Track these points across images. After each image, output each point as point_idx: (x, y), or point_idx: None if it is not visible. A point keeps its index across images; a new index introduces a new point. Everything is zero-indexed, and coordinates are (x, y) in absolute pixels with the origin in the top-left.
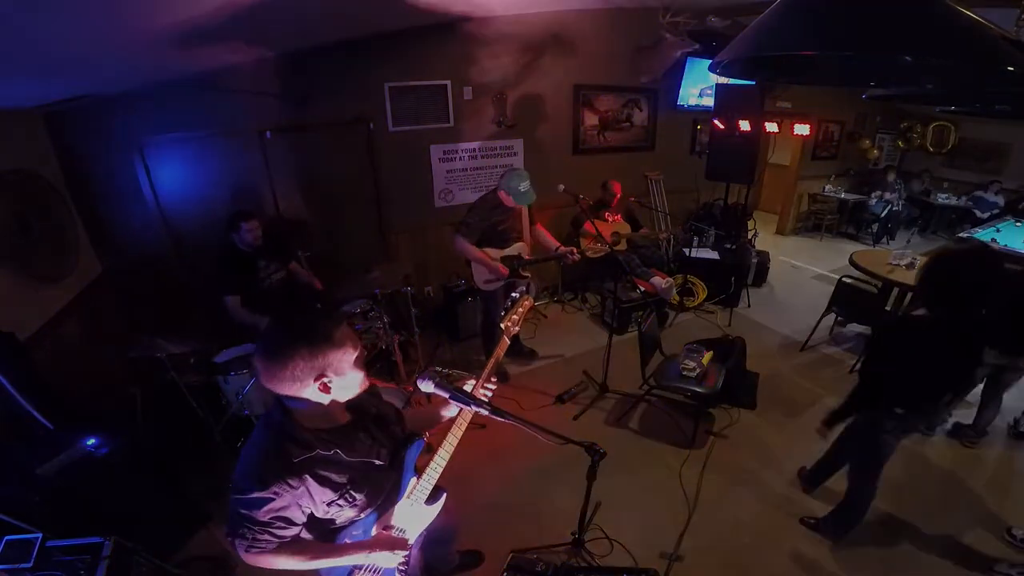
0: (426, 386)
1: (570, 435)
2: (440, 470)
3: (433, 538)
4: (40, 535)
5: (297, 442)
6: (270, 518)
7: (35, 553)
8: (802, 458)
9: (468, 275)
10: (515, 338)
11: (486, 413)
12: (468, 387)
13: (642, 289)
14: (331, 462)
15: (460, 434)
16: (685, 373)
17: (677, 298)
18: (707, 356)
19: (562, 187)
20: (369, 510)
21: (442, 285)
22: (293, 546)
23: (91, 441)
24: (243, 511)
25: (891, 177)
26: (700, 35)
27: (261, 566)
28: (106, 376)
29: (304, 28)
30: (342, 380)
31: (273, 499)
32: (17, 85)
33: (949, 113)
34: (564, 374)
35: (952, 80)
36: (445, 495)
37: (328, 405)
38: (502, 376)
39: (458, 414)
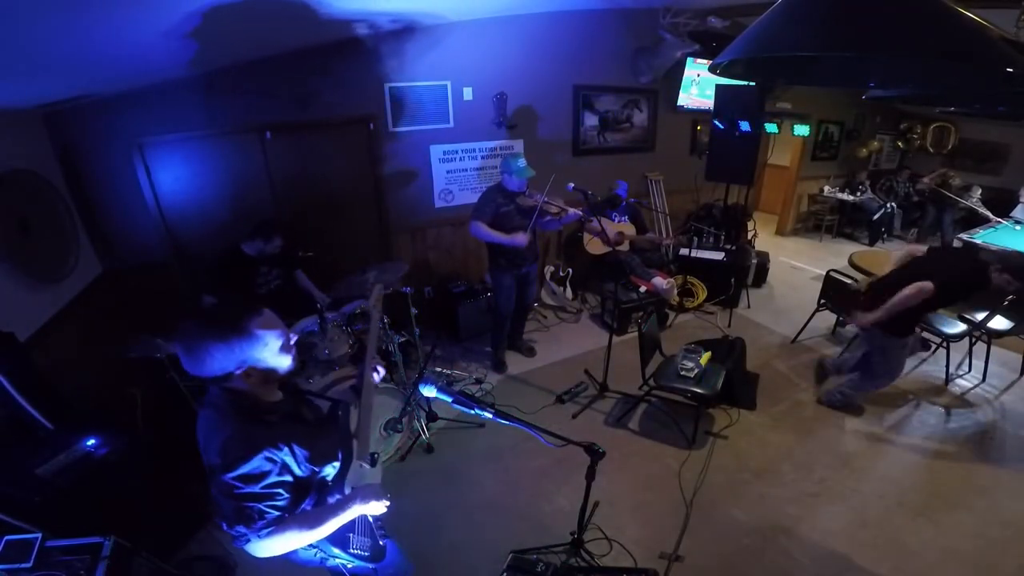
0: (428, 390)
1: (570, 435)
2: (370, 431)
3: None
4: (40, 535)
5: (261, 408)
6: (264, 488)
7: (35, 553)
8: (801, 458)
9: (468, 275)
10: (518, 333)
11: (489, 416)
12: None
13: (643, 289)
14: (297, 424)
15: (371, 397)
16: (684, 373)
17: (677, 299)
18: (705, 357)
19: (572, 185)
20: (335, 470)
21: (442, 285)
22: (295, 518)
23: (91, 441)
24: (238, 490)
25: (861, 177)
26: (700, 36)
27: (273, 552)
28: (106, 376)
29: (302, 31)
30: (265, 367)
31: (264, 464)
32: (17, 85)
33: (949, 114)
34: (564, 374)
35: (951, 81)
36: (379, 456)
37: (261, 385)
38: (500, 366)
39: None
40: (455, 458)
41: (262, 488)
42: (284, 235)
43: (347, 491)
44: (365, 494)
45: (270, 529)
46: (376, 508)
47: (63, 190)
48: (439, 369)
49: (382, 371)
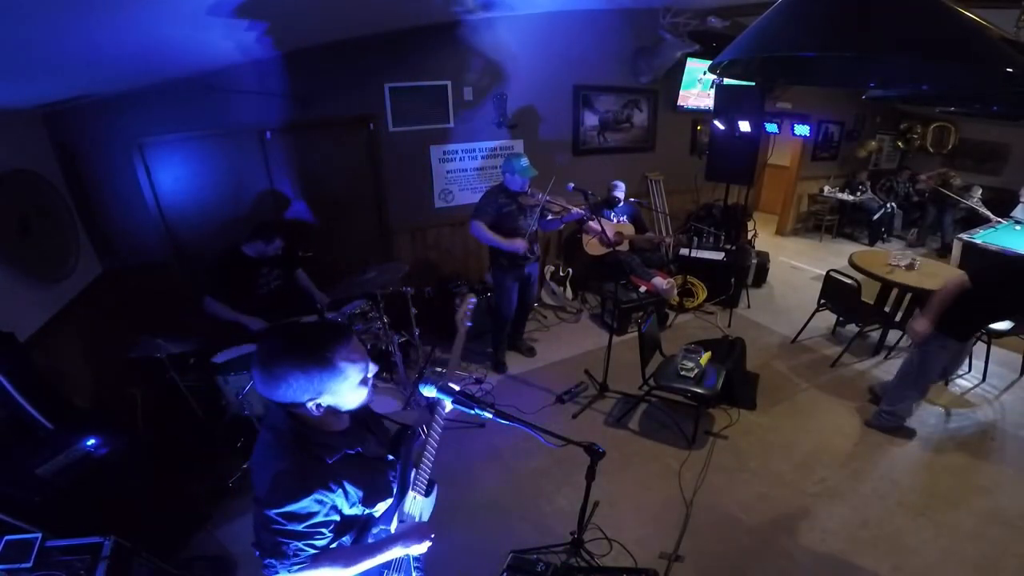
0: (428, 390)
1: (570, 435)
2: (432, 460)
3: None
4: (39, 535)
5: (323, 446)
6: (308, 527)
7: (35, 553)
8: (801, 458)
9: (468, 276)
10: (518, 333)
11: (489, 416)
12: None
13: (643, 289)
14: (356, 460)
15: (442, 423)
16: (684, 373)
17: (677, 299)
18: (705, 357)
19: (572, 185)
20: (387, 505)
21: (442, 285)
22: (330, 555)
23: (91, 441)
24: (281, 526)
25: (861, 177)
26: (700, 36)
27: None
28: (106, 376)
29: (308, 28)
30: (339, 402)
31: (313, 506)
32: (17, 85)
33: (949, 114)
34: (564, 374)
35: (951, 82)
36: (436, 486)
37: (330, 415)
38: (500, 367)
39: (436, 403)
40: (455, 458)
41: (304, 527)
42: (284, 236)
43: (394, 523)
44: (408, 536)
45: (302, 565)
46: (419, 550)
47: (63, 190)
48: (439, 369)
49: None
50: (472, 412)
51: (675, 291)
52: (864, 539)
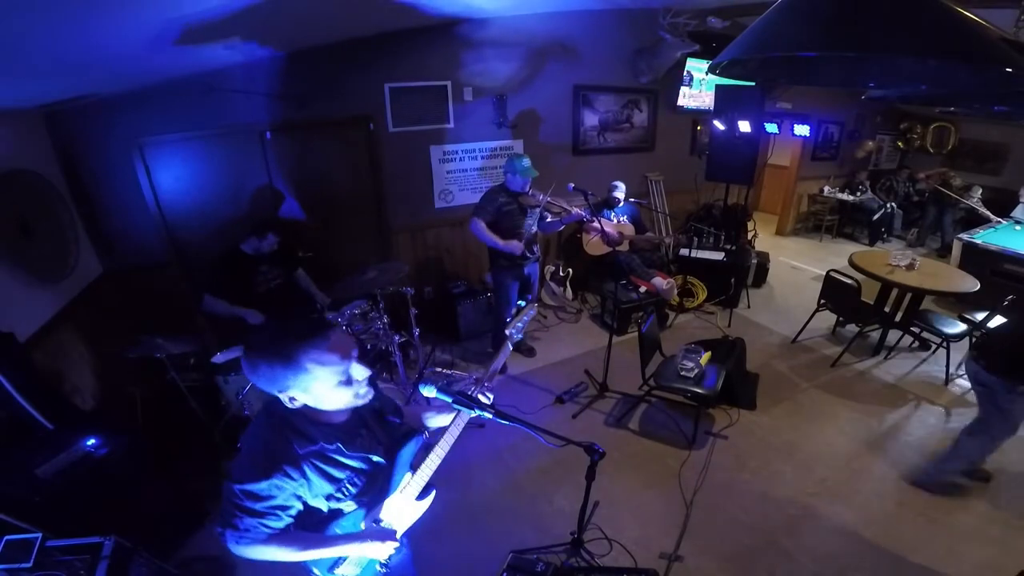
0: (428, 391)
1: (570, 435)
2: (435, 467)
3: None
4: (40, 535)
5: (301, 434)
6: (265, 508)
7: (35, 553)
8: (801, 458)
9: (468, 275)
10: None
11: (489, 416)
12: (462, 386)
13: (643, 289)
14: (332, 456)
15: (457, 432)
16: (684, 373)
17: (677, 299)
18: (705, 357)
19: (572, 185)
20: (360, 503)
21: (442, 285)
22: (283, 537)
23: (91, 441)
24: (239, 501)
25: (861, 177)
26: (700, 36)
27: (249, 557)
28: (106, 376)
29: (308, 28)
30: (314, 401)
31: (272, 490)
32: (17, 85)
33: (949, 114)
34: (564, 374)
35: (951, 82)
36: (435, 492)
37: (314, 410)
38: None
39: (456, 414)
40: (455, 458)
41: (262, 507)
42: (278, 232)
43: (368, 522)
44: (370, 538)
45: (251, 541)
46: (377, 554)
47: (63, 190)
48: (439, 369)
49: (490, 398)
50: (472, 412)
51: (675, 291)
52: (864, 539)
